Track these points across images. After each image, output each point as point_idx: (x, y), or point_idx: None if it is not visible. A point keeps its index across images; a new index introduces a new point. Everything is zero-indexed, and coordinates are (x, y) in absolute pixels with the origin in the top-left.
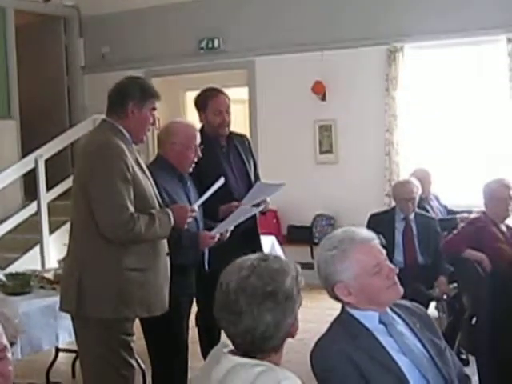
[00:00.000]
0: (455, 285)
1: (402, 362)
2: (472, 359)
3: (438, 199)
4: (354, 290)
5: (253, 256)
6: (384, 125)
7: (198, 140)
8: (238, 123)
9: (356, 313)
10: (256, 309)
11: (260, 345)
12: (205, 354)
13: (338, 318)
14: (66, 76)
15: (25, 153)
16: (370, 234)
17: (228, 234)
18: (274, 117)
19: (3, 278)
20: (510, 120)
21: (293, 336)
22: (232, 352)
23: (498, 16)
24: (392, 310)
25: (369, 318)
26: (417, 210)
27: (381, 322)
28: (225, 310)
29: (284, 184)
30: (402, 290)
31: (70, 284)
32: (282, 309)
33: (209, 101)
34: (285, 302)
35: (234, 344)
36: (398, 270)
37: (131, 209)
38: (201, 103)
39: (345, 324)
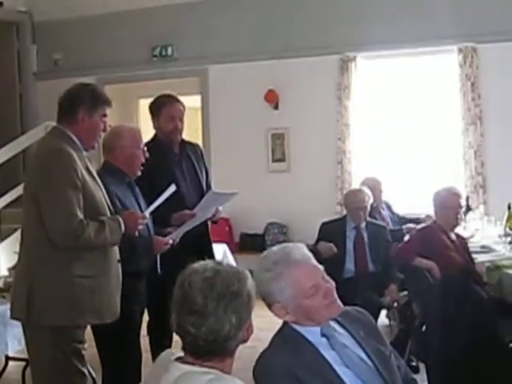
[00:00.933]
0: (406, 292)
1: (346, 375)
2: (422, 366)
3: (389, 207)
4: (291, 310)
5: (209, 261)
6: (336, 133)
7: (143, 143)
8: (191, 131)
9: (298, 327)
10: (222, 308)
11: (221, 345)
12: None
13: (279, 331)
14: (18, 82)
15: None
16: (306, 254)
17: (178, 239)
18: (226, 125)
19: None
20: (460, 129)
21: (246, 340)
22: (180, 360)
23: (448, 26)
24: (334, 319)
25: (311, 333)
26: (368, 218)
27: (323, 334)
28: (186, 311)
29: (236, 193)
30: (341, 306)
31: (21, 291)
32: (244, 309)
33: (163, 107)
34: (248, 302)
35: (191, 347)
36: (335, 286)
37: (80, 216)
38: (155, 109)
39: (286, 338)
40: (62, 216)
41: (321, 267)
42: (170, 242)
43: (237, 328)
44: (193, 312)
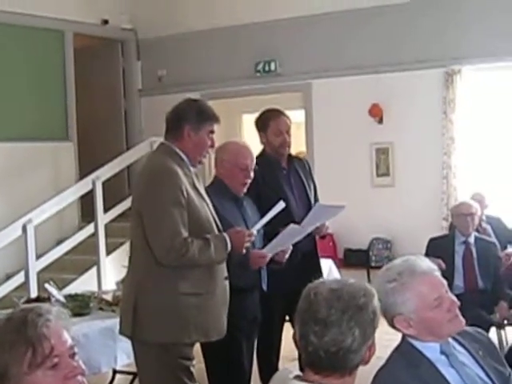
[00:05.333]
0: None
1: None
2: None
3: (500, 221)
4: (414, 323)
5: (335, 278)
6: (442, 148)
7: (251, 160)
8: (294, 145)
9: (417, 343)
10: (347, 320)
11: (342, 359)
12: (263, 377)
13: (398, 347)
14: (123, 99)
15: (82, 175)
16: (431, 266)
17: (287, 256)
18: (330, 139)
19: (62, 300)
20: None
21: (367, 361)
22: (298, 378)
23: None
24: (453, 337)
25: (430, 349)
26: (476, 234)
27: (442, 352)
28: (311, 320)
29: (344, 206)
30: (463, 322)
31: (127, 308)
32: (368, 325)
33: (270, 121)
34: (373, 319)
35: (311, 359)
36: (459, 303)
37: (184, 234)
38: (262, 124)
39: (406, 354)
40: (166, 234)
41: (444, 281)
42: (269, 255)
43: (359, 343)
44: (316, 321)
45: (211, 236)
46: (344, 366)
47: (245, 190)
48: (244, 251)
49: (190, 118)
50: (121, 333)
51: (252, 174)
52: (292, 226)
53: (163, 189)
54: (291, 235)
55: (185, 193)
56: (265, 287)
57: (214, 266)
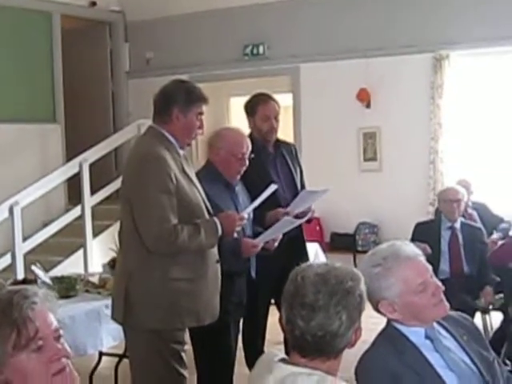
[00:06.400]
0: (501, 295)
1: (449, 378)
2: None
3: (486, 208)
4: (399, 308)
5: (322, 262)
6: (429, 133)
7: (247, 149)
8: (282, 129)
9: (402, 328)
10: (334, 304)
11: (329, 343)
12: (249, 360)
13: (383, 331)
14: (110, 81)
15: (69, 157)
16: (415, 251)
17: (276, 244)
18: (318, 123)
19: (49, 282)
20: None
21: (353, 344)
22: (284, 360)
23: None
24: (438, 322)
25: (415, 334)
26: (462, 219)
27: (427, 336)
28: (298, 304)
29: (328, 190)
30: (448, 306)
31: (118, 294)
32: (355, 308)
33: (258, 106)
34: (359, 302)
35: (298, 343)
36: (443, 288)
37: (173, 220)
38: (250, 108)
39: (391, 339)
40: (154, 222)
41: (429, 266)
42: (261, 244)
43: (346, 327)
44: (304, 305)
45: (201, 221)
46: (331, 349)
47: (238, 177)
48: (235, 235)
49: (179, 100)
50: (113, 318)
51: (247, 162)
52: (285, 218)
53: (151, 176)
54: (283, 226)
55: (174, 179)
56: (253, 274)
57: (206, 250)
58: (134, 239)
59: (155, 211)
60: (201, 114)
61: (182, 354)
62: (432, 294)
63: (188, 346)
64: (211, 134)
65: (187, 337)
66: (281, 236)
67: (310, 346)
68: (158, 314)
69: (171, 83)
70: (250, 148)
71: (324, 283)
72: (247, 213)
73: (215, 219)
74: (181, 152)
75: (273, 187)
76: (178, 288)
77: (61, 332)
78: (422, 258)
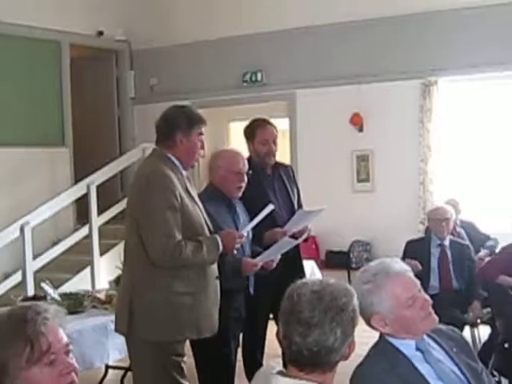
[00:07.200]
0: (489, 310)
1: None
2: (505, 382)
3: (473, 226)
4: (390, 321)
5: (317, 279)
6: (419, 155)
7: (243, 165)
8: (279, 152)
9: (394, 341)
10: (329, 321)
11: (324, 357)
12: (248, 372)
13: (376, 345)
14: (116, 107)
15: (77, 179)
16: (404, 267)
17: (274, 265)
18: (313, 146)
19: (58, 298)
20: None
21: (347, 357)
22: (281, 373)
23: None
24: (428, 335)
25: (406, 346)
26: (451, 237)
27: (418, 349)
28: (294, 321)
29: (323, 209)
30: (437, 319)
31: (123, 307)
32: (349, 324)
33: (257, 131)
34: (353, 317)
35: (295, 357)
36: (431, 301)
37: (178, 236)
38: (249, 133)
39: (383, 352)
40: (161, 237)
41: (417, 281)
42: (260, 263)
43: (340, 341)
44: (300, 322)
45: (203, 238)
46: (326, 363)
47: (240, 193)
48: (235, 252)
49: (181, 125)
50: (116, 330)
51: (246, 178)
52: (284, 239)
53: (158, 194)
54: (282, 247)
55: (178, 197)
56: (252, 291)
57: (207, 266)
58: (140, 253)
59: (161, 227)
60: (201, 134)
61: (183, 365)
62: (420, 307)
63: (189, 358)
64: (211, 156)
65: (188, 349)
66: (279, 257)
67: (307, 360)
68: (161, 326)
69: (172, 110)
70: (246, 164)
71: (319, 300)
72: (246, 231)
73: (216, 236)
74: (184, 173)
75: (270, 207)
76: (180, 301)
77: (70, 347)
78: (411, 274)
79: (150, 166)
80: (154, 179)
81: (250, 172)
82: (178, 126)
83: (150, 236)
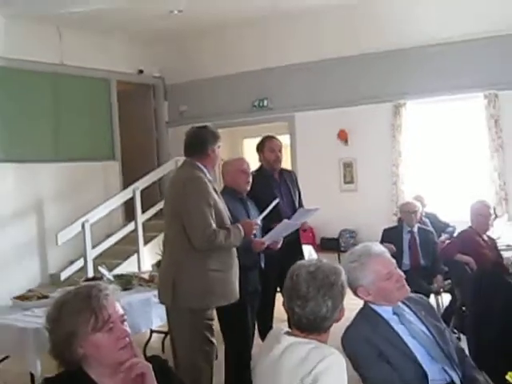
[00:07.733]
0: (449, 281)
1: (412, 344)
2: (463, 337)
3: (435, 217)
4: (372, 292)
5: (313, 258)
6: (392, 161)
7: (248, 167)
8: (283, 162)
9: (375, 307)
10: (321, 295)
11: (319, 324)
12: (261, 333)
13: (361, 311)
14: (154, 129)
15: (125, 186)
16: (382, 249)
17: (279, 246)
18: (309, 157)
19: (111, 278)
20: (487, 156)
21: (339, 320)
22: (288, 333)
23: (476, 78)
24: (402, 302)
25: (385, 311)
26: (419, 225)
27: (394, 313)
28: (294, 296)
29: (318, 209)
30: (409, 289)
31: (167, 281)
32: (338, 296)
33: (265, 143)
34: (341, 291)
35: (297, 323)
36: (404, 276)
37: (213, 225)
38: (260, 145)
39: (367, 316)
40: (201, 227)
41: (393, 260)
42: (267, 242)
43: (332, 311)
44: (299, 297)
45: (231, 226)
46: (321, 328)
47: (248, 188)
48: (252, 237)
49: (211, 142)
50: (161, 302)
51: (250, 178)
52: (285, 220)
53: (196, 192)
54: (284, 228)
55: (211, 195)
56: (262, 265)
57: (232, 249)
58: (182, 240)
59: (201, 219)
60: (219, 147)
61: (212, 327)
62: (396, 280)
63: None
64: (222, 164)
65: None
66: (281, 239)
67: (306, 325)
68: (199, 296)
69: (200, 130)
70: (250, 166)
71: (313, 279)
72: (259, 220)
73: (239, 225)
74: (209, 177)
75: (276, 200)
76: (214, 276)
77: (125, 317)
78: (388, 255)
79: (187, 171)
80: (193, 182)
81: (253, 172)
82: (208, 141)
83: (193, 225)
